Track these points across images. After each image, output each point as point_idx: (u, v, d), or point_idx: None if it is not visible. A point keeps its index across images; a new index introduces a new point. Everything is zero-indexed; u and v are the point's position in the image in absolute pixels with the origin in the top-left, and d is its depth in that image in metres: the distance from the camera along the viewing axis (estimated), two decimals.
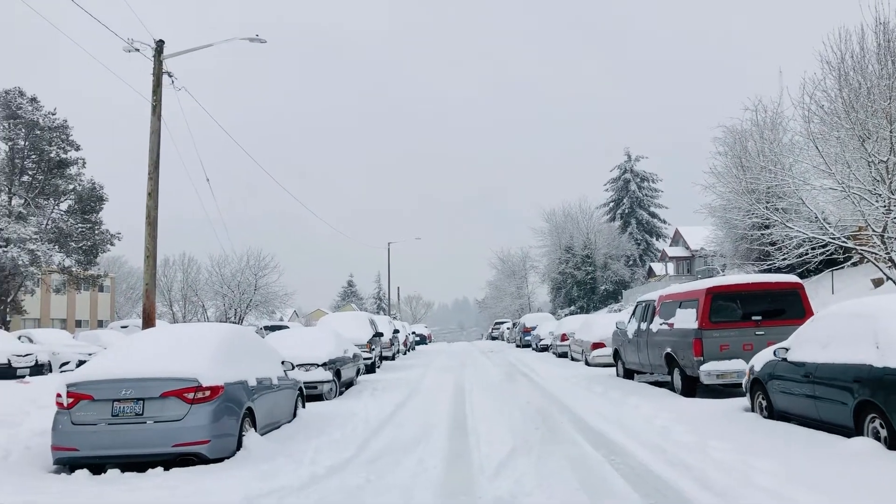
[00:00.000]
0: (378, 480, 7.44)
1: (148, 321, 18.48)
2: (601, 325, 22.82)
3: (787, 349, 9.70)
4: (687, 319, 13.44)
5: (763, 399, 10.25)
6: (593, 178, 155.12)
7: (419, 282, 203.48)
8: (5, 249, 37.04)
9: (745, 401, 11.04)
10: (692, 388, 13.29)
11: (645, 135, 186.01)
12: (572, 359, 25.68)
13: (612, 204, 71.25)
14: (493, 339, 63.18)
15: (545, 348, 32.94)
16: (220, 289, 67.88)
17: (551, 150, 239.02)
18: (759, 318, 12.76)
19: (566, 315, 45.55)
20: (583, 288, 63.86)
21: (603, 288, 64.05)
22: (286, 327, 35.02)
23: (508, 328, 54.67)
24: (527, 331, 39.71)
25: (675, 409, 11.45)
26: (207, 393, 8.44)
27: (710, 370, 12.47)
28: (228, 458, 8.59)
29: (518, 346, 41.60)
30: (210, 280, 69.98)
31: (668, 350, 14.05)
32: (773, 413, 9.95)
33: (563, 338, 27.91)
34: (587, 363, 22.57)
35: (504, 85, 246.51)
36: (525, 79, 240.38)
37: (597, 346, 21.97)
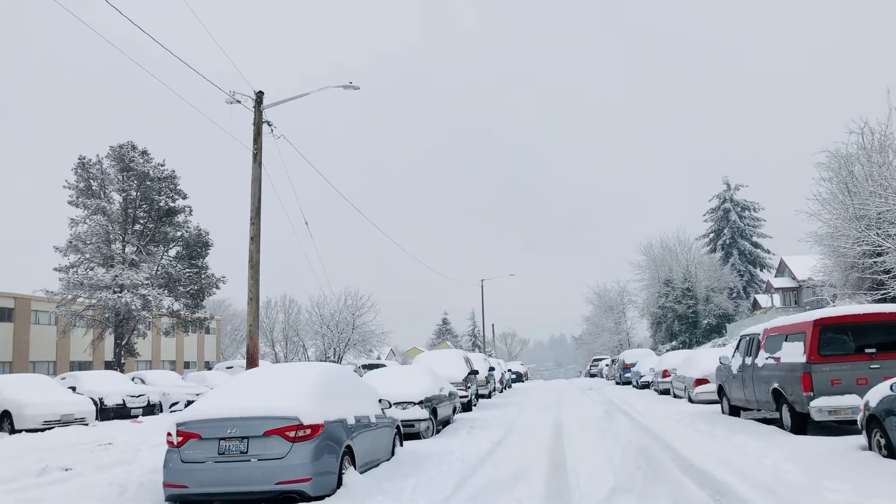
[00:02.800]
0: None
1: (251, 361, 19.11)
2: (704, 360, 22.09)
3: None
4: (794, 353, 12.86)
5: (881, 437, 9.65)
6: (691, 209, 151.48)
7: (514, 319, 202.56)
8: (120, 295, 39.14)
9: (861, 439, 10.41)
10: (803, 425, 12.65)
11: (744, 161, 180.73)
12: (675, 396, 24.89)
13: (711, 235, 69.28)
14: (592, 376, 61.96)
15: (646, 385, 32.07)
16: (319, 328, 69.47)
17: (646, 180, 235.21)
18: (873, 350, 12.08)
19: (667, 350, 44.31)
20: (684, 322, 62.04)
21: (706, 322, 62.05)
22: (383, 365, 35.43)
23: (607, 365, 53.55)
24: (626, 367, 38.80)
25: (784, 446, 10.92)
26: (308, 431, 8.63)
27: (822, 406, 11.85)
28: (329, 495, 8.72)
29: (618, 383, 40.67)
30: (310, 320, 71.73)
31: (776, 385, 13.45)
32: (892, 452, 9.35)
33: (665, 374, 27.13)
34: (690, 400, 21.84)
35: (594, 113, 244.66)
36: (614, 108, 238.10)
37: (700, 382, 21.26)
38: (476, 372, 25.88)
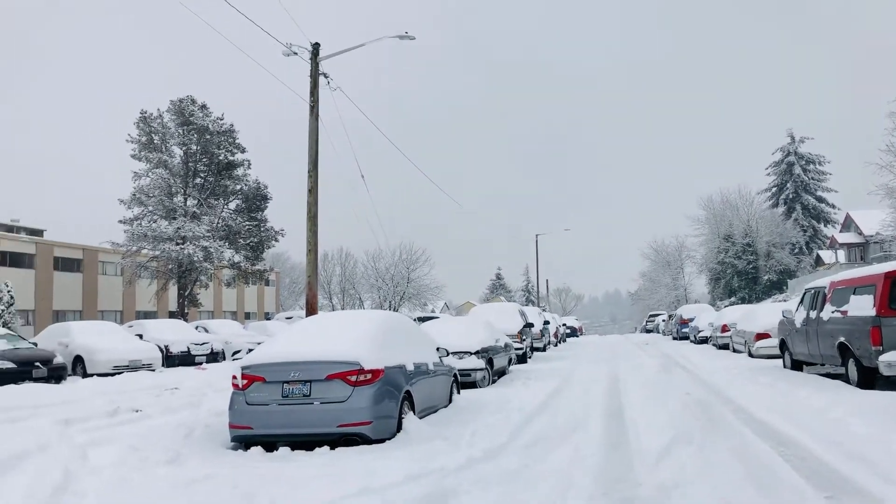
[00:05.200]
0: (535, 465, 7.43)
1: (311, 311, 19.44)
2: (765, 314, 21.66)
3: None
4: (863, 306, 12.49)
5: None
6: (753, 163, 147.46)
7: (568, 274, 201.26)
8: (182, 247, 40.13)
9: None
10: (870, 379, 12.33)
11: (809, 112, 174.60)
12: (734, 350, 24.55)
13: (774, 189, 67.41)
14: (648, 331, 61.47)
15: (704, 340, 31.69)
16: (374, 282, 70.31)
17: (705, 133, 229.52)
18: None
19: (726, 307, 43.61)
20: (744, 278, 60.85)
21: (766, 278, 60.75)
22: (437, 318, 35.71)
23: (664, 320, 53.02)
24: (684, 322, 38.36)
25: (850, 401, 10.67)
26: (369, 376, 8.77)
27: (891, 360, 11.52)
28: (389, 439, 8.89)
29: (674, 338, 40.28)
30: (366, 273, 72.66)
31: (842, 339, 13.11)
32: None
33: (724, 329, 26.73)
34: (750, 355, 21.51)
35: (649, 66, 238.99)
36: (675, 59, 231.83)
37: (761, 336, 20.88)
38: (531, 325, 25.90)
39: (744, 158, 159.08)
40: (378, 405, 8.78)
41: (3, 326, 24.52)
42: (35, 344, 20.86)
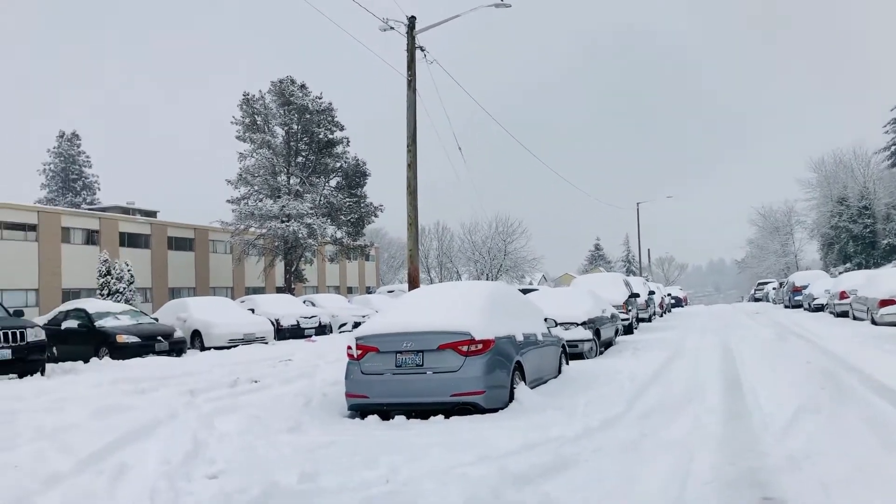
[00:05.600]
0: (653, 435, 7.28)
1: (413, 285, 19.66)
2: (889, 279, 20.49)
3: None
4: None
5: None
6: (868, 121, 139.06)
7: (670, 243, 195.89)
8: (287, 224, 41.33)
9: None
10: None
11: None
12: (854, 318, 23.36)
13: (893, 147, 63.39)
14: (756, 300, 59.32)
15: (819, 308, 30.31)
16: (471, 255, 70.59)
17: (814, 90, 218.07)
18: None
19: (840, 273, 41.54)
20: (860, 243, 57.75)
21: (885, 242, 57.42)
22: (536, 290, 35.53)
23: (774, 288, 51.01)
24: (797, 290, 36.79)
25: None
26: (480, 346, 8.78)
27: None
28: (502, 409, 8.89)
29: (786, 306, 38.73)
30: (462, 247, 73.00)
31: None
32: None
33: (843, 296, 25.43)
34: (873, 322, 20.40)
35: (753, 22, 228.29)
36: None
37: (885, 303, 19.76)
38: (636, 295, 25.41)
39: (858, 118, 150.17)
40: (490, 375, 8.79)
41: (126, 304, 25.93)
42: (156, 319, 21.99)
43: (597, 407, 8.88)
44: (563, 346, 12.70)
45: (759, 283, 64.05)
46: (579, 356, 15.24)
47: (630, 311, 23.25)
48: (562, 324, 14.87)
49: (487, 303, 9.88)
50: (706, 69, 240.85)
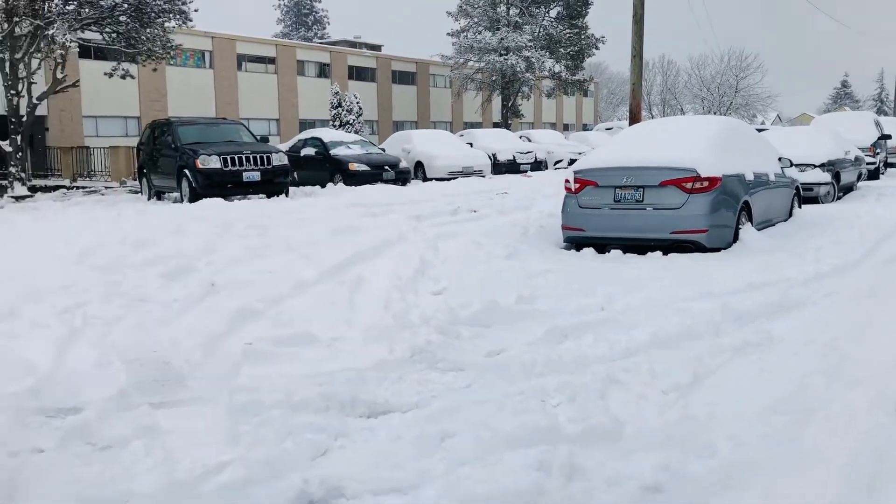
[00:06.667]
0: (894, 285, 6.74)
1: (634, 121, 19.00)
2: None
3: None
4: None
5: None
6: None
7: None
8: (506, 57, 40.95)
9: None
10: None
11: None
12: None
13: None
14: None
15: None
16: (698, 91, 66.54)
17: None
18: None
19: None
20: None
21: None
22: (766, 130, 32.99)
23: None
24: None
25: None
26: (705, 183, 8.43)
27: None
28: (724, 248, 8.61)
29: None
30: (689, 82, 68.88)
31: None
32: None
33: None
34: None
35: None
36: None
37: None
38: (887, 136, 22.79)
39: None
40: (714, 213, 8.48)
41: (356, 134, 27.49)
42: (383, 150, 23.20)
43: (830, 252, 8.31)
44: (797, 189, 11.87)
45: None
46: (814, 200, 14.17)
47: (878, 154, 21.00)
48: (797, 165, 13.77)
49: (716, 138, 9.36)
50: None
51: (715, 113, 63.54)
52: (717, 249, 8.53)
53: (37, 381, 4.46)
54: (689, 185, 8.42)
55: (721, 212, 8.56)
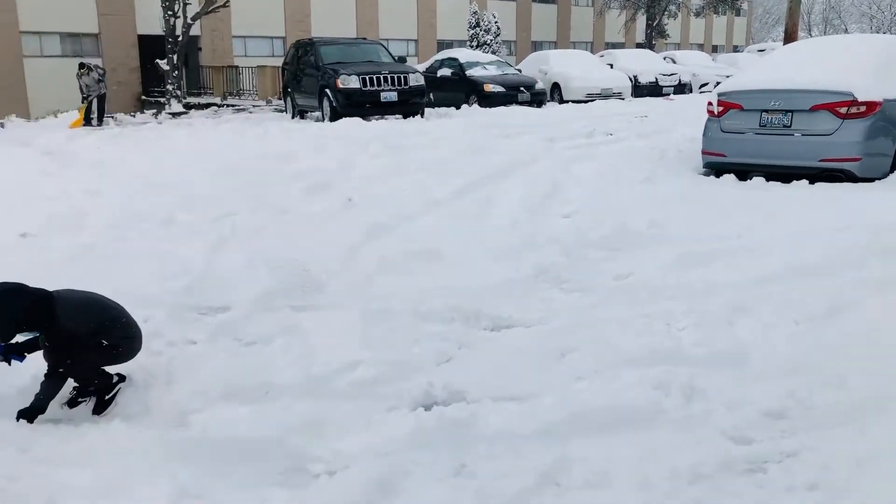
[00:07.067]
0: None
1: (790, 41, 17.73)
2: None
3: None
4: None
5: None
6: None
7: None
8: None
9: None
10: None
11: None
12: None
13: None
14: None
15: None
16: (867, 10, 60.75)
17: None
18: None
19: None
20: None
21: None
22: None
23: None
24: None
25: None
26: (863, 108, 7.82)
27: None
28: (879, 179, 8.03)
29: None
30: (856, 1, 62.89)
31: None
32: None
33: None
34: None
35: None
36: None
37: None
38: None
39: None
40: (870, 141, 7.88)
41: (493, 55, 27.16)
42: (519, 71, 22.86)
43: None
44: None
45: None
46: None
47: None
48: None
49: (879, 59, 8.59)
50: None
51: (886, 34, 58.13)
52: (871, 180, 7.96)
53: (191, 281, 4.89)
54: (843, 110, 7.84)
55: (878, 140, 7.94)
